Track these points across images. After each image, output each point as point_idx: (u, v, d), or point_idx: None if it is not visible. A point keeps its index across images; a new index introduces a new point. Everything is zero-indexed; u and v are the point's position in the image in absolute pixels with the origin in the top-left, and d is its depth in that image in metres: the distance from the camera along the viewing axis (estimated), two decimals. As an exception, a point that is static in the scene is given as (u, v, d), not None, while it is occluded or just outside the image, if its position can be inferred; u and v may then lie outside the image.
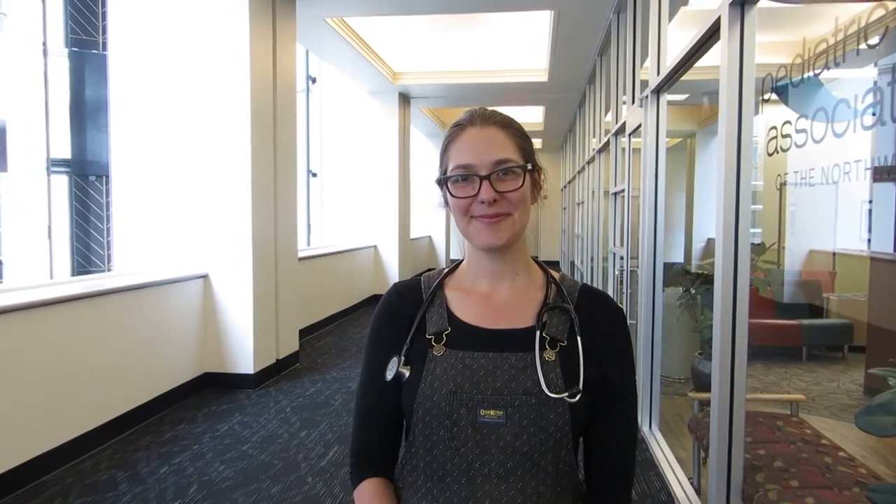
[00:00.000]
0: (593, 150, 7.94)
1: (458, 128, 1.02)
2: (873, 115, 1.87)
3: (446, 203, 1.04)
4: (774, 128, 2.52)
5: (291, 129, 5.59)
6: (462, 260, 1.13)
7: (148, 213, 5.02)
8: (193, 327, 4.89)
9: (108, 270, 5.23)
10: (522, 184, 0.99)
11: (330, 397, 4.88)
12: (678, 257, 10.45)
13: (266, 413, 4.49)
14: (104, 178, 7.43)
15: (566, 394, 0.95)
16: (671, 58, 3.50)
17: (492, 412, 0.94)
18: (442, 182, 1.03)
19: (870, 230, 4.71)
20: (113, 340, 4.01)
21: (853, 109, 1.95)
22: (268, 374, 5.27)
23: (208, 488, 3.29)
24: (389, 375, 1.00)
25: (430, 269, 1.15)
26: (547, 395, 0.94)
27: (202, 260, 4.96)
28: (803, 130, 2.31)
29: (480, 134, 1.00)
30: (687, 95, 9.65)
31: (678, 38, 3.58)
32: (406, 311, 1.06)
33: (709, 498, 2.52)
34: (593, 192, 8.05)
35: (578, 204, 10.53)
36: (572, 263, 11.96)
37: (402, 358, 1.01)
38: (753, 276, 8.43)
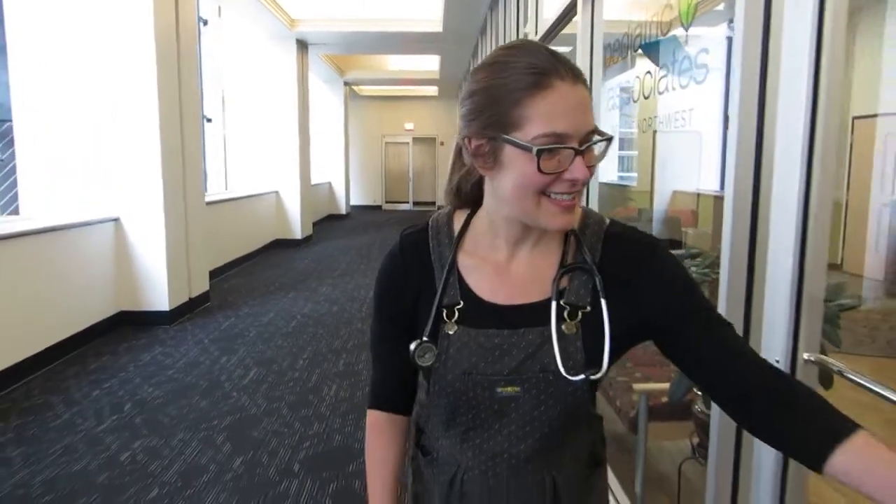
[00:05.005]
0: (485, 99, 8.49)
1: (545, 77, 0.78)
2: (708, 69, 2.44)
3: (482, 163, 0.85)
4: (644, 83, 3.10)
5: (194, 73, 5.74)
6: (462, 211, 0.99)
7: (55, 158, 5.08)
8: (107, 268, 5.10)
9: (14, 214, 5.25)
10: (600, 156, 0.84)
11: (244, 330, 5.27)
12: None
13: (185, 344, 4.83)
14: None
15: (583, 375, 0.85)
16: (548, 16, 4.04)
17: (509, 388, 0.89)
18: (507, 143, 0.80)
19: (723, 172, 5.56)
20: (27, 281, 4.19)
21: (695, 64, 2.48)
22: (182, 311, 5.56)
23: (142, 405, 3.66)
24: (424, 363, 0.91)
25: (436, 211, 1.02)
26: (564, 376, 0.85)
27: (113, 204, 5.13)
28: (665, 77, 2.86)
29: (573, 94, 0.79)
30: (571, 48, 10.38)
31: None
32: (414, 276, 0.95)
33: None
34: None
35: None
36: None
37: (426, 340, 0.91)
38: (627, 213, 9.41)
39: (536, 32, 4.39)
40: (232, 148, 10.18)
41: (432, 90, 17.26)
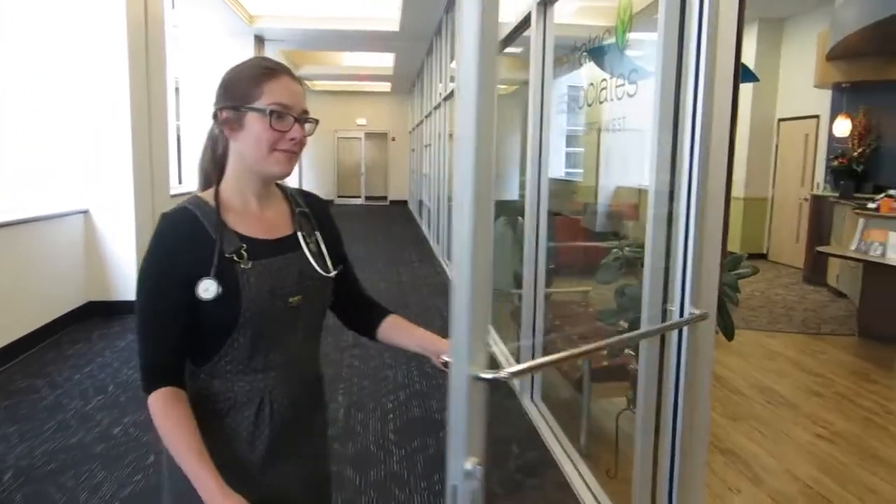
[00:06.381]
0: (440, 96, 8.84)
1: (274, 71, 1.16)
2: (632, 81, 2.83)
3: (229, 128, 1.17)
4: (592, 84, 3.48)
5: (161, 65, 5.89)
6: (200, 190, 1.25)
7: (24, 151, 5.19)
8: (77, 259, 5.25)
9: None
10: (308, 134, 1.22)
11: (213, 317, 5.50)
12: (516, 196, 11.73)
13: (158, 331, 5.03)
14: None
15: (334, 272, 1.28)
16: (503, 19, 4.42)
17: (295, 299, 1.20)
18: (248, 111, 1.14)
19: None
20: None
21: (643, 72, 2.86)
22: (150, 300, 5.73)
23: (125, 387, 3.90)
24: (209, 295, 1.12)
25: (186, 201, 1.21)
26: (325, 276, 1.25)
27: (82, 196, 5.28)
28: (604, 88, 3.27)
29: (294, 84, 1.18)
30: (521, 49, 10.80)
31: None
32: (196, 237, 1.15)
33: (521, 352, 3.62)
34: (440, 135, 9.00)
35: (426, 146, 11.47)
36: (420, 202, 12.94)
37: (214, 279, 1.12)
38: (573, 206, 9.91)
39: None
40: (186, 142, 10.22)
41: (385, 86, 17.51)
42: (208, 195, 1.20)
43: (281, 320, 1.19)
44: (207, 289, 1.11)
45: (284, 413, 1.22)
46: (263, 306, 1.15)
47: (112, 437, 3.23)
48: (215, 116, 1.18)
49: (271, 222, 1.23)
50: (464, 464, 0.86)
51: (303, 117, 1.17)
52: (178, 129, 10.28)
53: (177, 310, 1.12)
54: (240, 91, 1.14)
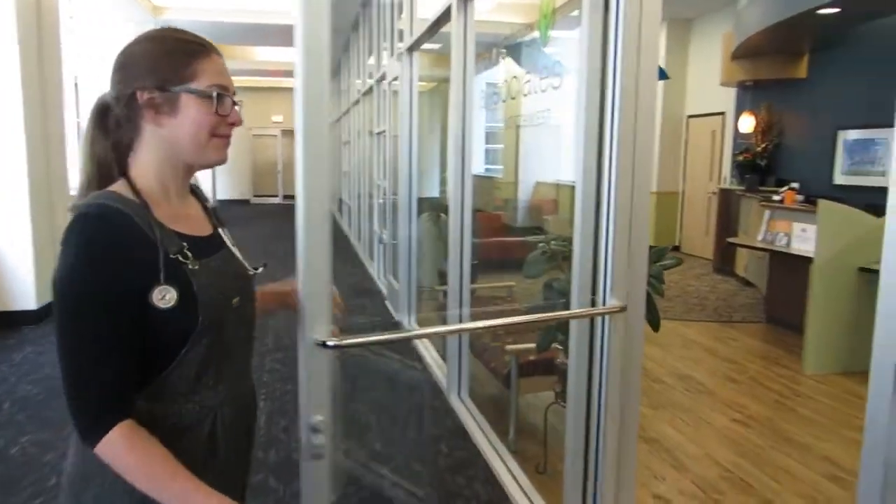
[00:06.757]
0: (359, 92, 8.70)
1: (203, 47, 1.05)
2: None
3: (154, 112, 1.01)
4: (516, 77, 3.46)
5: (57, 60, 5.50)
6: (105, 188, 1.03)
7: None
8: (-36, 267, 4.81)
9: None
10: None
11: (122, 325, 5.17)
12: (436, 192, 11.73)
13: (59, 342, 4.68)
14: None
15: (260, 268, 1.22)
16: (422, 19, 4.36)
17: (236, 299, 1.09)
18: (184, 93, 1.01)
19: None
20: None
21: (559, 67, 2.89)
22: (50, 310, 5.33)
23: (22, 403, 3.59)
24: (167, 304, 0.97)
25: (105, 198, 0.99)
26: (252, 275, 1.18)
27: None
28: (528, 81, 3.28)
29: (223, 63, 1.07)
30: (441, 45, 10.79)
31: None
32: (132, 237, 0.97)
33: (446, 345, 3.58)
34: (359, 132, 8.85)
35: (345, 143, 11.27)
36: (340, 200, 12.71)
37: (165, 284, 0.97)
38: (493, 202, 9.96)
39: (412, 31, 4.70)
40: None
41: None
42: (122, 189, 1.01)
43: (229, 324, 1.08)
44: (164, 296, 0.96)
45: (235, 428, 1.14)
46: (217, 310, 1.04)
47: (9, 458, 2.97)
48: (132, 98, 1.00)
49: (194, 218, 1.12)
50: (309, 419, 0.96)
51: (237, 99, 1.08)
52: (78, 127, 9.68)
53: (124, 327, 0.95)
54: (167, 70, 1.00)
